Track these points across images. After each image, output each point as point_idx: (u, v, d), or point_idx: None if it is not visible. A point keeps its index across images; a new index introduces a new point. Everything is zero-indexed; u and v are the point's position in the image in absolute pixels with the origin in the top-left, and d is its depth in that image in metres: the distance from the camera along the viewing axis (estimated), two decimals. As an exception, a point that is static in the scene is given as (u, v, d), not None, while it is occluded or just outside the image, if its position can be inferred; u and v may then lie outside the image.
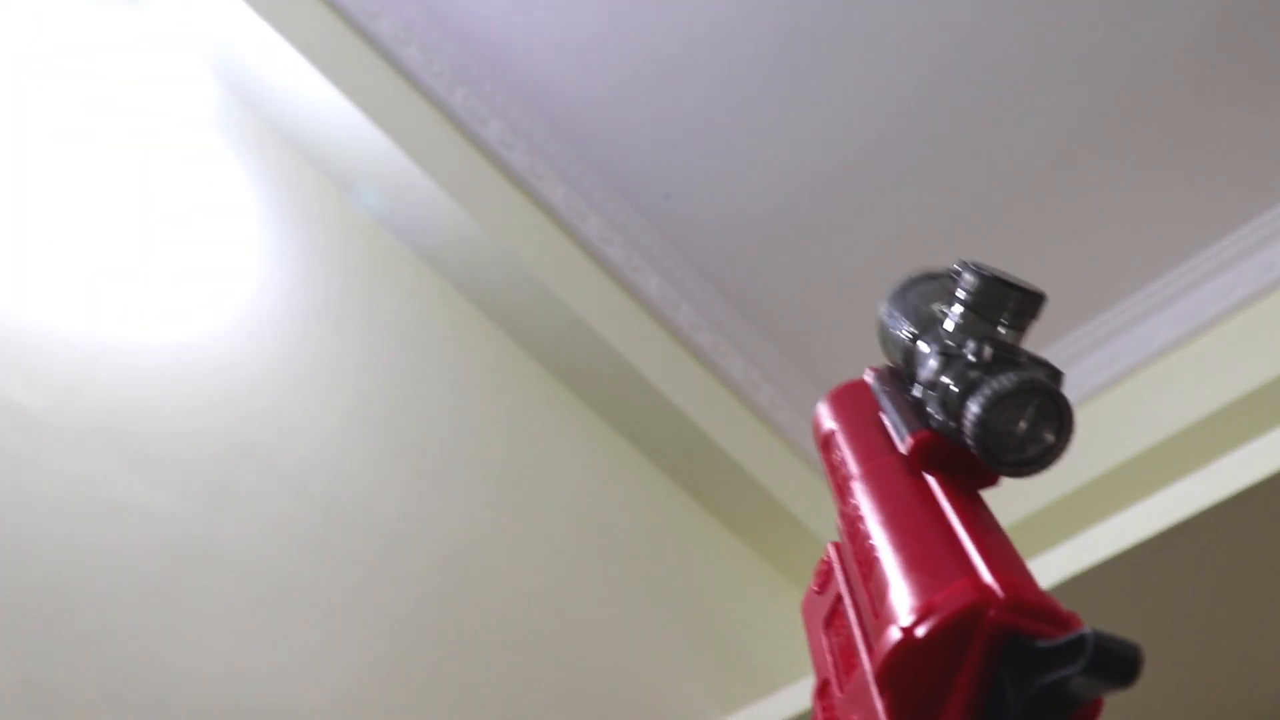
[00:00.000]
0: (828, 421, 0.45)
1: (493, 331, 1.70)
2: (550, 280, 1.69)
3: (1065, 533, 1.65)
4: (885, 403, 0.42)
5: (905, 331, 0.42)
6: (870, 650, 0.34)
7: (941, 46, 1.70)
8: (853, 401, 0.45)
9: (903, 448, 0.39)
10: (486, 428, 1.58)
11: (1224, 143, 1.74)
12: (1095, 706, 0.31)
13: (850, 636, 0.37)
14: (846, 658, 0.36)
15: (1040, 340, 1.94)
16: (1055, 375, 0.37)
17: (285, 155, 1.55)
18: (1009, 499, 1.93)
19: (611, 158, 1.84)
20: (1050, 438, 0.36)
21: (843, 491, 0.41)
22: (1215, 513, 1.08)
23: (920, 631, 0.30)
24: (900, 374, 0.43)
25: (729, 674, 1.69)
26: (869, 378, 0.46)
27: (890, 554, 0.34)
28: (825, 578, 0.41)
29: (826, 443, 0.44)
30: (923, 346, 0.40)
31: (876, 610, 0.33)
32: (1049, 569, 1.17)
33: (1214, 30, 1.64)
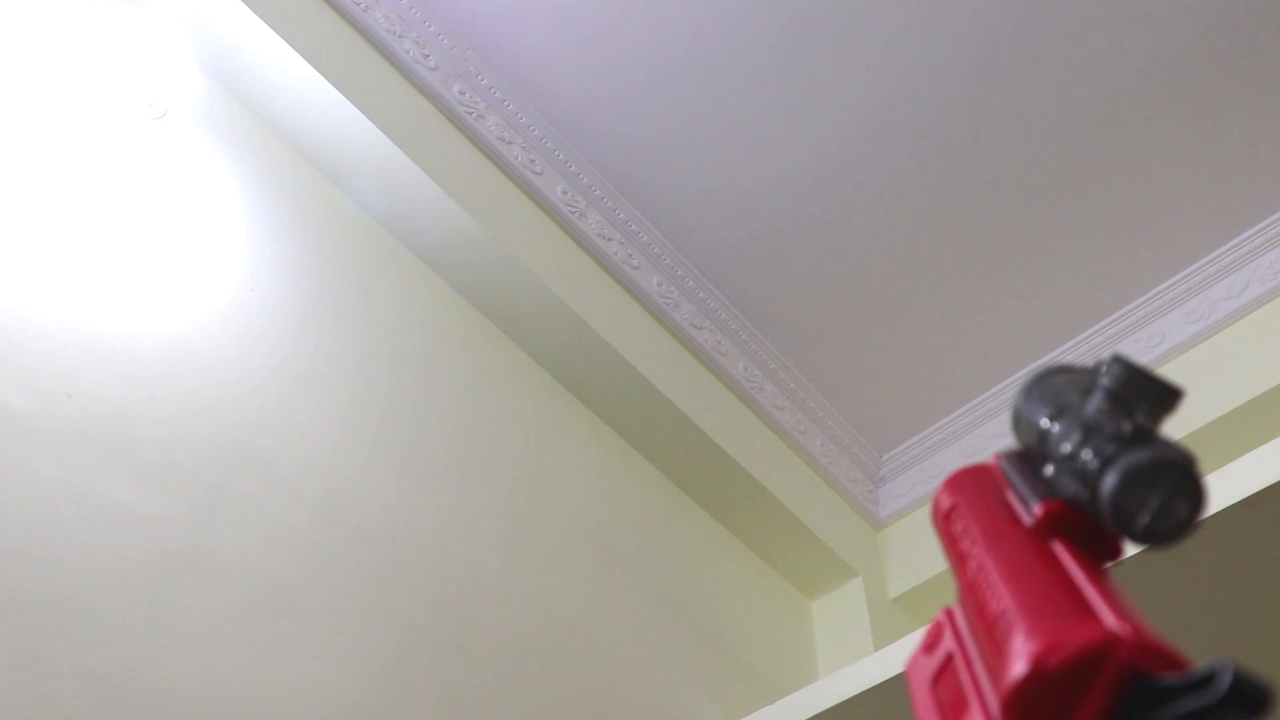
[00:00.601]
0: (949, 498, 0.47)
1: (491, 331, 1.68)
2: (549, 279, 1.67)
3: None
4: (1014, 478, 0.44)
5: (1042, 414, 0.44)
6: (991, 688, 0.35)
7: (947, 49, 1.68)
8: (977, 481, 0.47)
9: (1030, 517, 0.40)
10: (485, 428, 1.56)
11: (1236, 142, 1.73)
12: None
13: (959, 689, 0.38)
14: (955, 710, 0.38)
15: (1052, 340, 1.93)
16: (1189, 457, 0.38)
17: (278, 150, 1.53)
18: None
19: (611, 154, 1.82)
20: (1183, 512, 0.37)
21: (964, 558, 0.42)
22: (1224, 516, 1.06)
23: (1051, 663, 0.31)
24: (1030, 456, 0.45)
25: (732, 680, 1.67)
26: (997, 459, 0.48)
27: (1016, 600, 0.35)
28: (935, 639, 0.42)
29: (948, 517, 0.46)
30: (1059, 426, 0.42)
31: (1000, 650, 0.34)
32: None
33: (1225, 30, 1.62)
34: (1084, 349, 1.91)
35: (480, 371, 1.63)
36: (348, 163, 1.56)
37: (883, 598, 1.98)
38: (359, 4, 1.61)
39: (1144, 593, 1.08)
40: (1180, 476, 0.37)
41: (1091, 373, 0.43)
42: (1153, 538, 0.37)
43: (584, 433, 1.74)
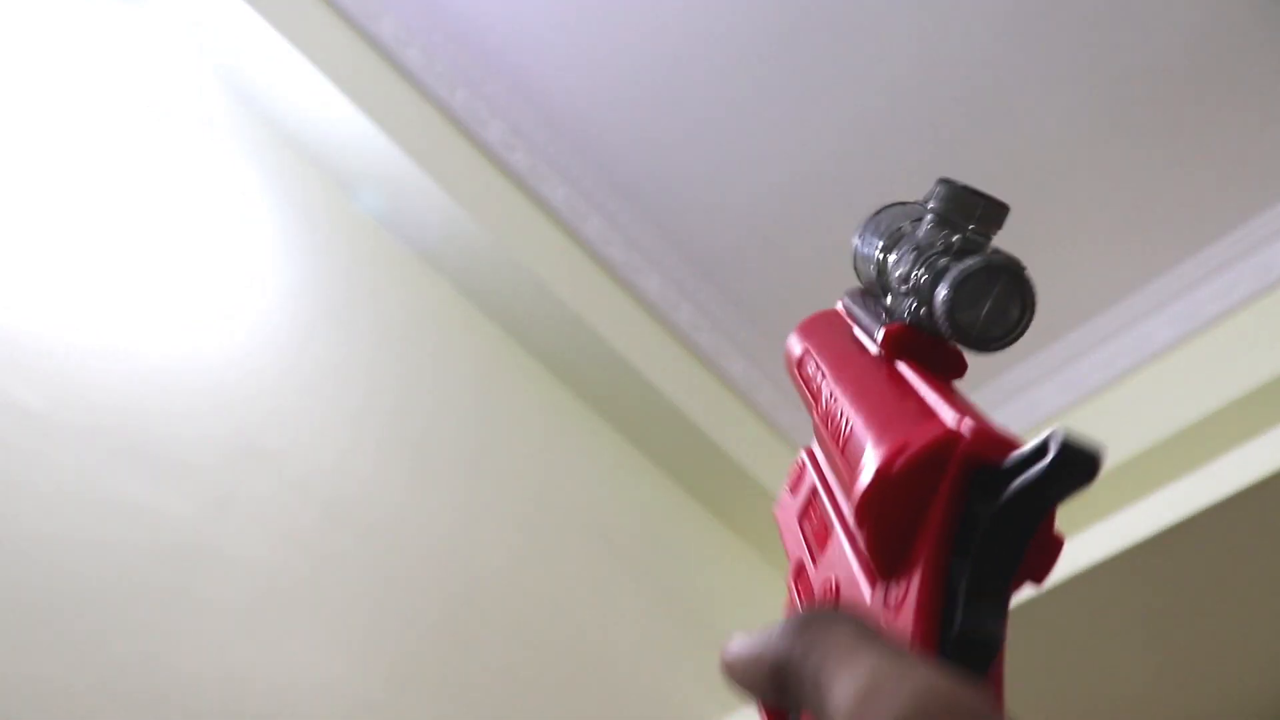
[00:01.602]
0: (800, 344, 0.47)
1: (494, 332, 1.71)
2: (551, 281, 1.69)
3: (1064, 532, 1.65)
4: (858, 312, 0.45)
5: (876, 246, 0.45)
6: (842, 518, 0.35)
7: (942, 47, 1.70)
8: (825, 325, 0.48)
9: (876, 345, 0.41)
10: (488, 428, 1.58)
11: (1223, 143, 1.75)
12: (1045, 564, 0.32)
13: (825, 517, 0.39)
14: (820, 535, 0.38)
15: (1040, 340, 1.95)
16: (1018, 261, 0.40)
17: (286, 156, 1.55)
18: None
19: (612, 158, 1.84)
20: (1015, 313, 0.38)
21: (816, 396, 0.43)
22: (1215, 512, 1.08)
23: (897, 465, 0.31)
24: (871, 291, 0.46)
25: (730, 674, 1.69)
26: (841, 302, 0.48)
27: (864, 417, 0.36)
28: (798, 479, 0.43)
29: (800, 363, 0.46)
30: (894, 254, 0.43)
31: (852, 468, 0.34)
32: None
33: (1212, 31, 1.65)
34: (1076, 349, 1.93)
35: (485, 372, 1.65)
36: (355, 168, 1.59)
37: (878, 592, 2.00)
38: (367, 13, 1.63)
39: (1137, 591, 1.10)
40: (1010, 279, 0.38)
41: (918, 205, 0.44)
42: (988, 342, 0.38)
43: (586, 432, 1.76)
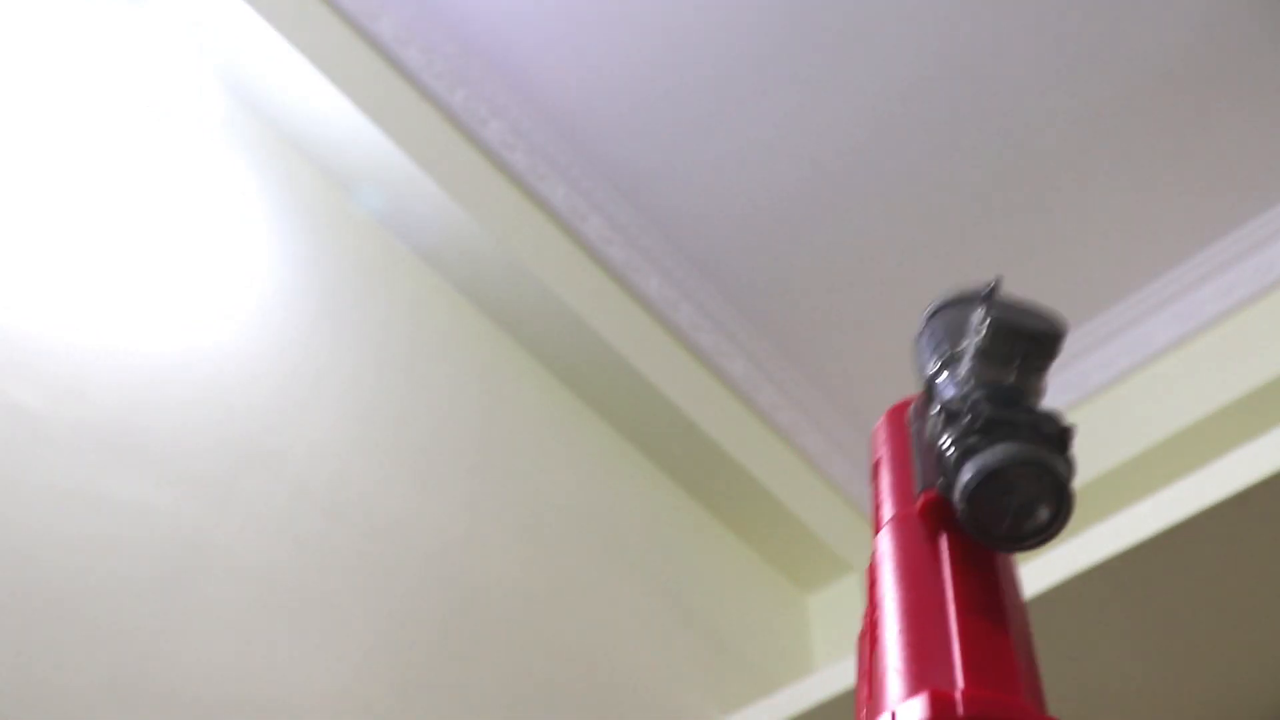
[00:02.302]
0: (879, 448, 0.44)
1: (493, 332, 1.71)
2: (551, 280, 1.69)
3: (1064, 533, 1.64)
4: (914, 447, 0.40)
5: (930, 368, 0.40)
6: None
7: (943, 44, 1.70)
8: (892, 431, 0.44)
9: (916, 504, 0.38)
10: (487, 428, 1.58)
11: (1223, 143, 1.75)
12: None
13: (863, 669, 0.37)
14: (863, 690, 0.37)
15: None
16: (1062, 436, 0.34)
17: (285, 155, 1.55)
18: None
19: (612, 158, 1.84)
20: (1045, 515, 0.34)
21: (876, 527, 0.40)
22: (1215, 512, 1.08)
23: None
24: (927, 408, 0.41)
25: (729, 674, 1.69)
26: (910, 407, 0.44)
27: (886, 638, 0.33)
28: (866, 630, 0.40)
29: (875, 472, 0.43)
30: (941, 382, 0.39)
31: (872, 691, 0.33)
32: (1049, 570, 1.18)
33: (1212, 31, 1.65)
34: (1075, 348, 1.93)
35: (485, 372, 1.65)
36: (354, 168, 1.59)
37: (878, 593, 2.00)
38: (366, 12, 1.63)
39: (1137, 592, 1.10)
40: (1039, 473, 0.33)
41: (982, 305, 0.38)
42: (1013, 543, 0.34)
43: (585, 432, 1.76)
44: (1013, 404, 0.35)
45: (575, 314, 1.70)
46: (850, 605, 1.94)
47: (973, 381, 0.36)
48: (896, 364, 2.12)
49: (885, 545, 0.37)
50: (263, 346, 1.34)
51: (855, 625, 1.58)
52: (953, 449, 0.34)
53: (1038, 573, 1.19)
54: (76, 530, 1.05)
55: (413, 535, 1.36)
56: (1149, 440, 1.73)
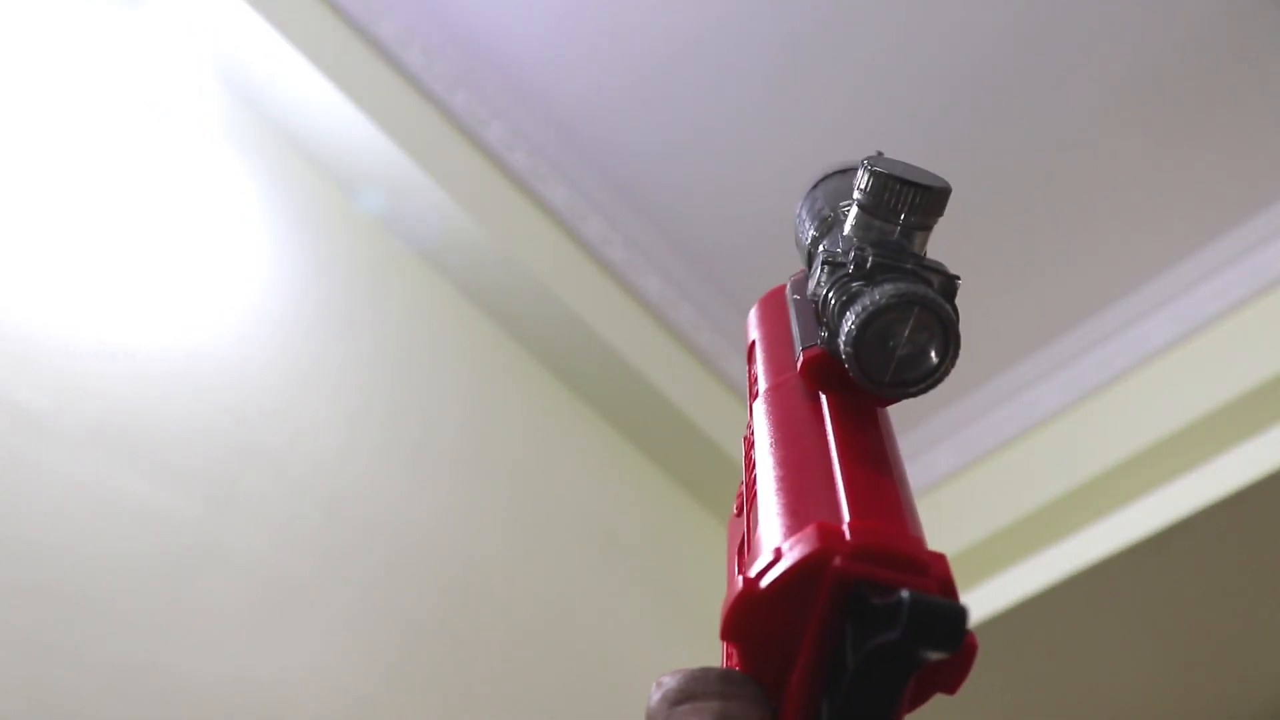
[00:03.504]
0: (752, 331, 0.42)
1: (494, 332, 1.71)
2: (551, 281, 1.70)
3: (1063, 532, 1.65)
4: (793, 314, 0.39)
5: (809, 234, 0.39)
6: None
7: (941, 50, 1.71)
8: (770, 311, 0.42)
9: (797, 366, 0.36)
10: (488, 428, 1.59)
11: (1220, 145, 1.75)
12: (956, 675, 0.28)
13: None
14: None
15: (1038, 339, 1.95)
16: (948, 283, 0.33)
17: (288, 157, 1.56)
18: (1002, 499, 1.93)
19: (612, 159, 1.84)
20: (934, 357, 0.32)
21: (751, 404, 0.38)
22: (1214, 511, 1.08)
23: (764, 583, 0.28)
24: (806, 279, 0.40)
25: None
26: (789, 283, 0.43)
27: (764, 489, 0.32)
28: (741, 501, 0.39)
29: (750, 354, 0.42)
30: (822, 248, 0.37)
31: (751, 542, 0.31)
32: (1048, 569, 1.18)
33: (1211, 33, 1.65)
34: (1071, 349, 1.93)
35: (484, 371, 1.66)
36: (356, 168, 1.59)
37: (877, 592, 2.00)
38: (368, 15, 1.64)
39: (1136, 589, 1.10)
40: (925, 313, 0.32)
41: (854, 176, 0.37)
42: (900, 388, 0.33)
43: (585, 431, 1.76)
44: (897, 253, 0.34)
45: (575, 314, 1.71)
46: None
47: (856, 236, 0.35)
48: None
49: (760, 411, 0.36)
50: (263, 346, 1.35)
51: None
52: (835, 298, 0.33)
53: (1034, 572, 1.19)
54: (79, 531, 1.05)
55: (411, 532, 1.36)
56: (1147, 439, 1.73)
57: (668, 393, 1.79)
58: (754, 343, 0.41)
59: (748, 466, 0.36)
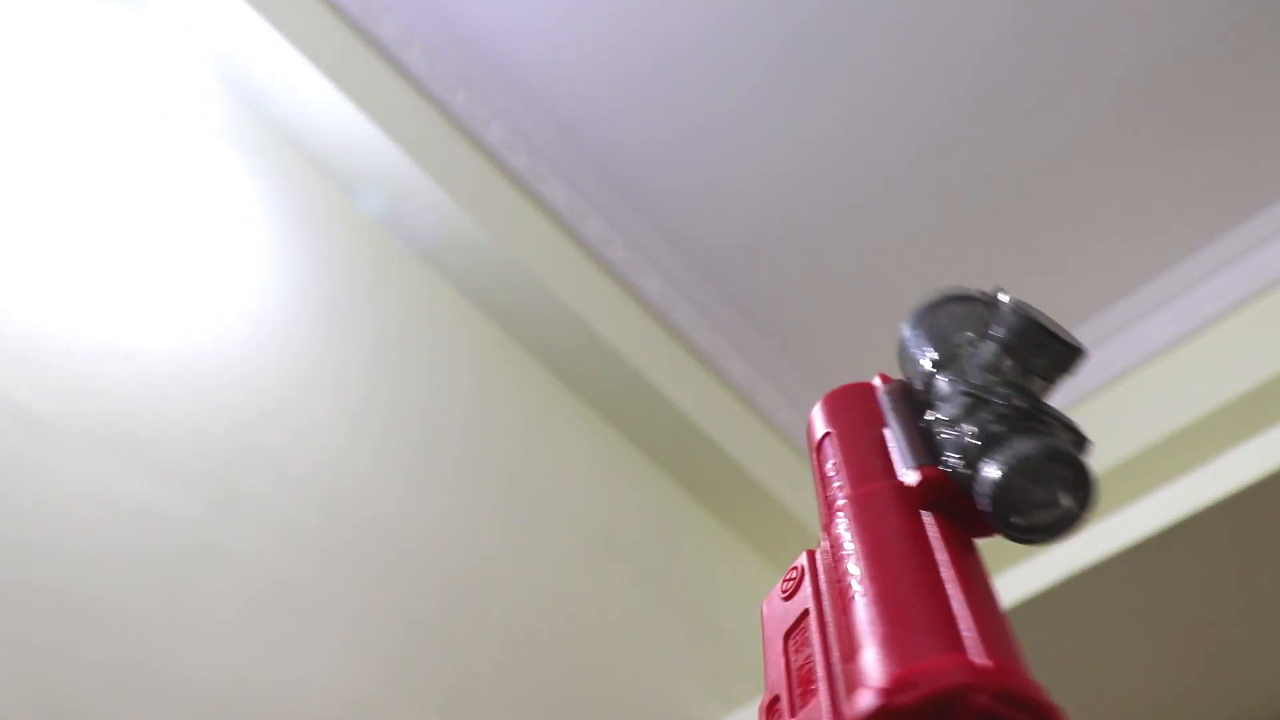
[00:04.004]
0: (824, 424, 0.43)
1: (495, 332, 1.71)
2: (551, 281, 1.70)
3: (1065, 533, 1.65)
4: (894, 423, 0.40)
5: (928, 357, 0.40)
6: (834, 696, 0.32)
7: (940, 49, 1.71)
8: (855, 408, 0.43)
9: (906, 479, 0.37)
10: (489, 429, 1.59)
11: (1220, 143, 1.75)
12: None
13: (811, 661, 0.35)
14: (805, 682, 0.35)
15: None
16: (1080, 442, 0.35)
17: (288, 157, 1.56)
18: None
19: (612, 159, 1.84)
20: (1068, 504, 0.34)
21: (830, 507, 0.39)
22: (1214, 511, 1.08)
23: (901, 701, 0.28)
24: (913, 394, 0.41)
25: (729, 672, 1.70)
26: (880, 389, 0.43)
27: (873, 599, 0.32)
28: (795, 586, 0.39)
29: (820, 446, 0.42)
30: (944, 380, 0.38)
31: (848, 655, 0.31)
32: (1048, 568, 1.18)
33: (1213, 32, 1.65)
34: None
35: (484, 372, 1.66)
36: (355, 169, 1.59)
37: (877, 592, 2.00)
38: (368, 14, 1.64)
39: (1136, 591, 1.10)
40: (1070, 471, 0.34)
41: (988, 308, 0.39)
42: (1030, 534, 0.34)
43: (585, 431, 1.77)
44: (1037, 402, 0.36)
45: (575, 314, 1.71)
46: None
47: (990, 373, 0.37)
48: (891, 363, 2.12)
49: (857, 515, 0.36)
50: (264, 346, 1.35)
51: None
52: (978, 435, 0.35)
53: (1037, 572, 1.19)
54: (80, 532, 1.05)
55: (412, 533, 1.36)
56: (1147, 439, 1.74)
57: (667, 392, 1.79)
58: (828, 435, 0.42)
59: (837, 568, 0.36)
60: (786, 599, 0.39)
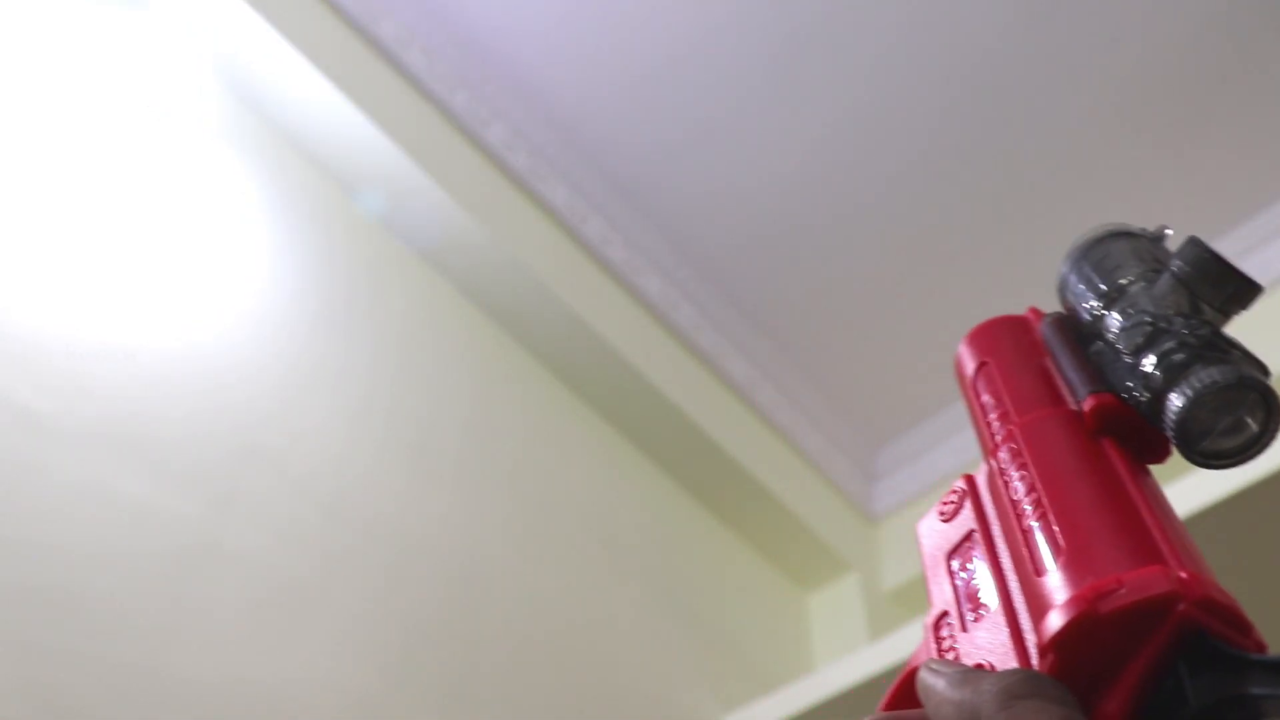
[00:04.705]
0: (978, 355, 0.43)
1: (495, 333, 1.71)
2: (552, 282, 1.70)
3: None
4: (1061, 353, 0.40)
5: (1097, 289, 0.40)
6: (1023, 598, 0.32)
7: (941, 51, 1.71)
8: (1011, 339, 0.43)
9: (1076, 405, 0.37)
10: (490, 429, 1.59)
11: (1228, 141, 1.75)
12: None
13: (982, 584, 0.36)
14: (973, 598, 0.36)
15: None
16: (1264, 371, 0.35)
17: (288, 158, 1.56)
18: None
19: (613, 159, 1.84)
20: (1254, 427, 0.34)
21: (994, 432, 0.39)
22: (1215, 511, 1.08)
23: (1106, 608, 0.28)
24: (1078, 326, 0.41)
25: (730, 673, 1.70)
26: (1040, 321, 0.43)
27: (1066, 515, 0.33)
28: (956, 509, 0.40)
29: (975, 376, 0.42)
30: (1118, 311, 0.38)
31: (1040, 569, 0.32)
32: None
33: (1217, 29, 1.65)
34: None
35: (485, 372, 1.66)
36: (355, 169, 1.59)
37: (878, 591, 2.00)
38: (368, 14, 1.64)
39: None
40: (1256, 397, 0.34)
41: (1154, 243, 0.39)
42: (1215, 460, 0.34)
43: (586, 432, 1.76)
44: (1217, 332, 0.36)
45: (575, 314, 1.71)
46: (850, 604, 1.94)
47: (1169, 304, 0.37)
48: (892, 361, 2.13)
49: (1033, 439, 0.37)
50: (264, 346, 1.35)
51: (855, 624, 1.59)
52: (1160, 363, 0.35)
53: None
54: (81, 533, 1.05)
55: (412, 534, 1.36)
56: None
57: (668, 392, 1.79)
58: (984, 364, 0.42)
59: (1012, 489, 0.36)
60: (946, 520, 0.40)
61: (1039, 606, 0.30)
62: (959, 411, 2.18)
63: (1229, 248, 1.82)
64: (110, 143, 1.35)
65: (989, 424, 0.40)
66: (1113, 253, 0.41)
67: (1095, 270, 0.41)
